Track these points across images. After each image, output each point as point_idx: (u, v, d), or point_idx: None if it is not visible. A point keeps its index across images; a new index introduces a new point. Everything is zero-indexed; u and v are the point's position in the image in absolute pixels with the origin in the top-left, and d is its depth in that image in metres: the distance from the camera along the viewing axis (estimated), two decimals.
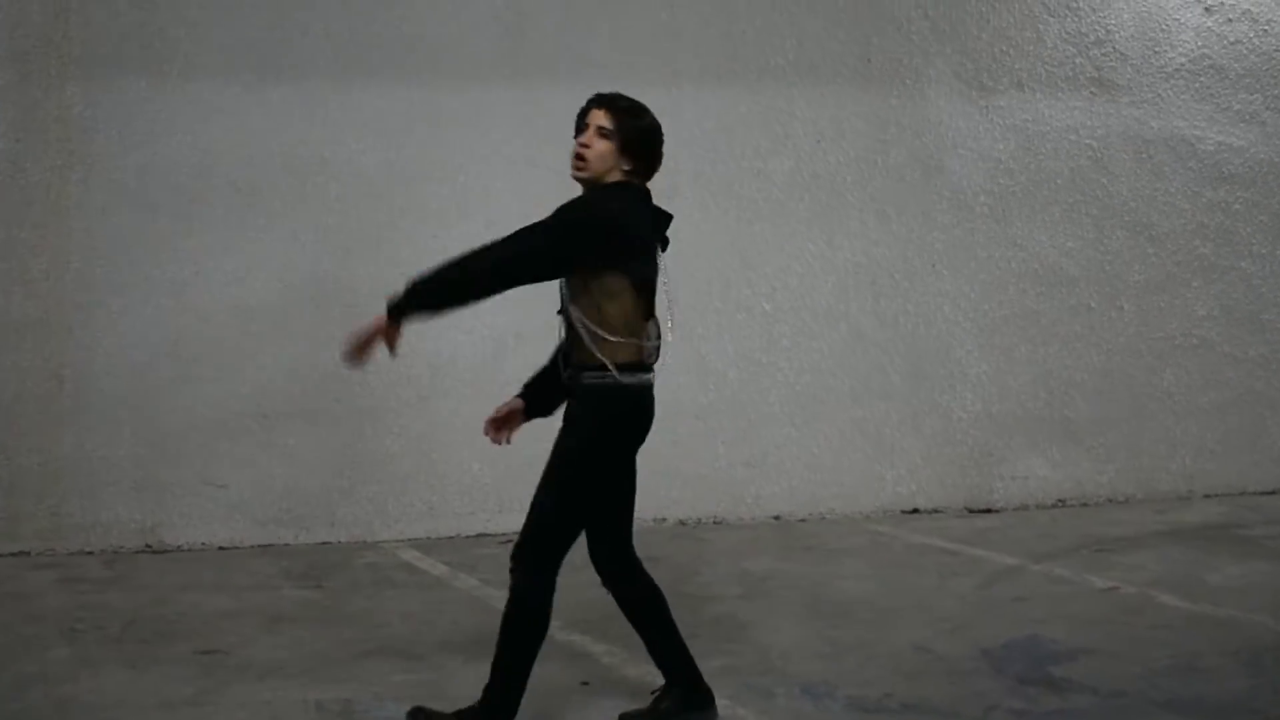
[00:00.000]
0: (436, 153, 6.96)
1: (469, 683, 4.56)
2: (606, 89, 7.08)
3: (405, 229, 6.89)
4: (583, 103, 4.06)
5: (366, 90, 6.86)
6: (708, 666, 4.63)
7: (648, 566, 4.20)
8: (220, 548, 6.72)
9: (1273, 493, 7.94)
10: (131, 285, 6.64)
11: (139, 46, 6.63)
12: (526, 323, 7.02)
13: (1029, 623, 5.26)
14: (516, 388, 7.03)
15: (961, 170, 7.58)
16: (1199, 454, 7.91)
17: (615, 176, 3.98)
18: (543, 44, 7.07)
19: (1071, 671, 4.65)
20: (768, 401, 7.34)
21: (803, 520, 7.29)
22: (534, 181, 7.01)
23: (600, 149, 3.94)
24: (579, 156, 3.97)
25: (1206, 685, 4.51)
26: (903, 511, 7.52)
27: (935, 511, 7.54)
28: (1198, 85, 7.88)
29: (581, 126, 4.00)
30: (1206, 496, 7.88)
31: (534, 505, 4.04)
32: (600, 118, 3.97)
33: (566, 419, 4.06)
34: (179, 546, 6.70)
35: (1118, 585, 5.86)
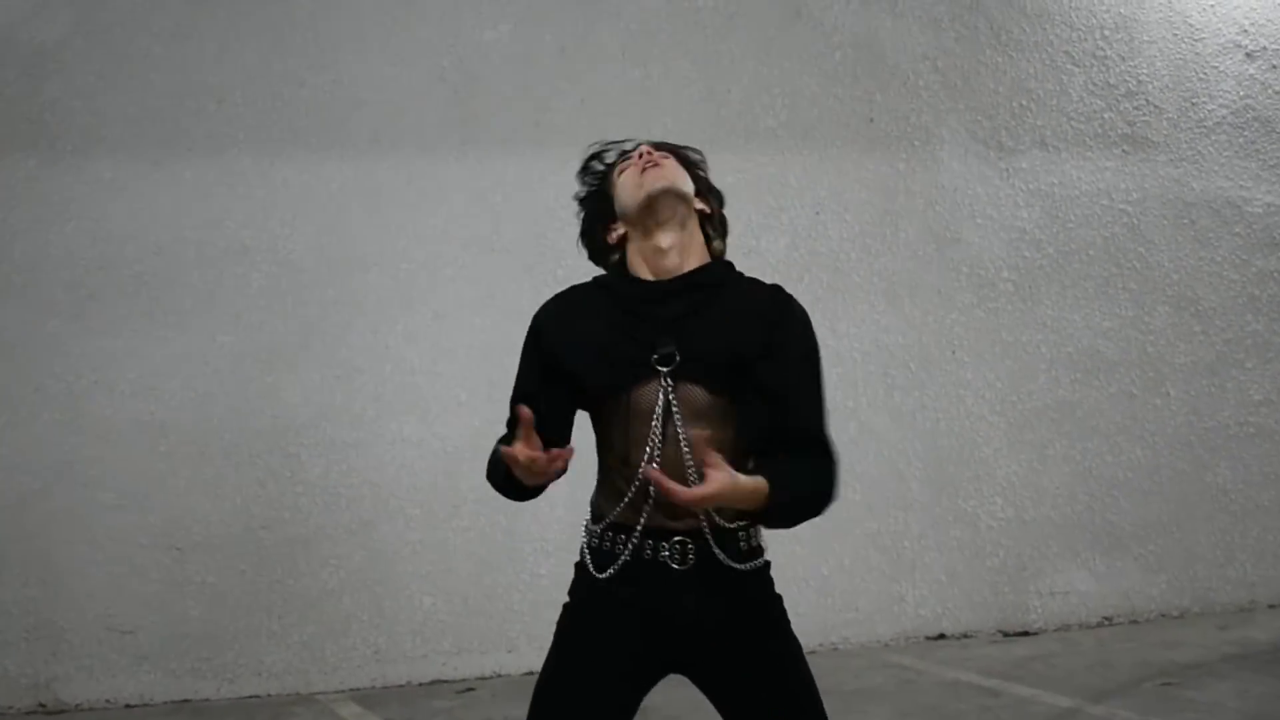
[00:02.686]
0: (375, 235, 6.05)
1: None
2: (573, 159, 6.35)
3: (339, 325, 5.98)
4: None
5: (293, 164, 5.96)
6: None
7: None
8: (127, 705, 5.74)
9: None
10: (18, 398, 5.71)
11: (25, 120, 5.74)
12: (485, 431, 6.10)
13: None
14: (474, 509, 6.19)
15: (981, 242, 6.70)
16: (1260, 559, 6.98)
17: None
18: (497, 108, 6.19)
19: None
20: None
21: (813, 652, 6.22)
22: (491, 266, 6.13)
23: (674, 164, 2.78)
24: (652, 165, 2.72)
25: None
26: (927, 638, 6.54)
27: (964, 636, 6.57)
28: (1242, 140, 7.03)
29: (622, 161, 2.82)
30: (1271, 607, 6.95)
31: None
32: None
33: (748, 628, 2.67)
34: (77, 705, 5.70)
35: None
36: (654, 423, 2.57)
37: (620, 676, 2.62)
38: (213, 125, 5.92)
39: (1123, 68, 6.91)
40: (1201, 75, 7.02)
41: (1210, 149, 7.01)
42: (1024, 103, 6.79)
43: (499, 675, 6.06)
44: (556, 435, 2.65)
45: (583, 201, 2.80)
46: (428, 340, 6.08)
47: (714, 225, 2.78)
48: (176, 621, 5.80)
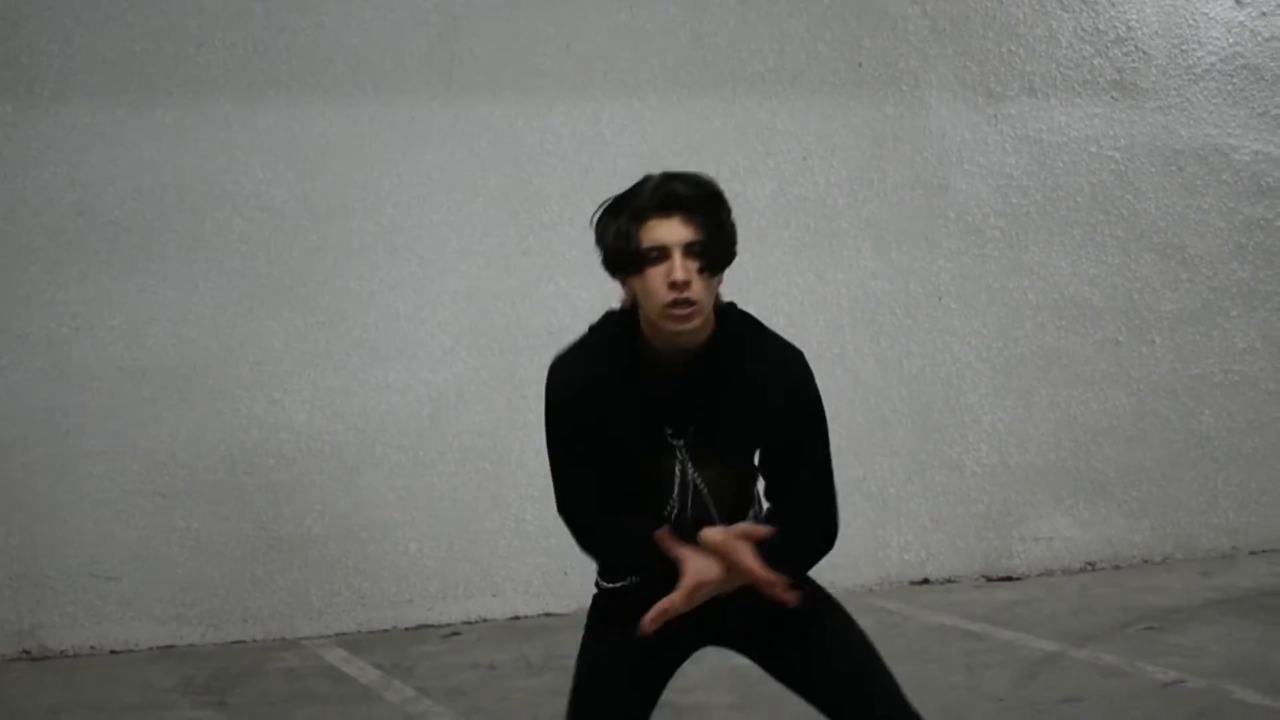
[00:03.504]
0: (359, 181, 6.00)
1: None
2: (559, 103, 6.29)
3: (323, 271, 5.93)
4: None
5: (275, 110, 5.90)
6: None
7: None
8: (112, 651, 5.74)
9: None
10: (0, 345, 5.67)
11: (2, 63, 5.66)
12: (469, 377, 6.10)
13: None
14: (459, 455, 6.18)
15: (968, 189, 6.66)
16: (1243, 506, 7.00)
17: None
18: (482, 52, 6.12)
19: None
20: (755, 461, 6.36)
21: None
22: (476, 213, 6.10)
23: (704, 280, 2.56)
24: (683, 303, 2.53)
25: None
26: (911, 582, 6.56)
27: (948, 581, 6.59)
28: (1231, 87, 6.99)
29: (650, 254, 2.54)
30: (1253, 553, 6.96)
31: (879, 681, 2.69)
32: (682, 230, 2.55)
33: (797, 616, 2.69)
34: (62, 652, 5.70)
35: (1182, 678, 4.90)
36: (673, 493, 2.67)
37: (654, 653, 2.68)
38: (193, 70, 5.85)
39: (1112, 13, 6.85)
40: (1191, 22, 6.96)
41: (1199, 96, 6.97)
42: (1013, 48, 6.74)
43: (484, 620, 6.07)
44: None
45: (604, 226, 2.60)
46: (412, 286, 6.04)
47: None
48: (161, 568, 5.79)
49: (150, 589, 5.78)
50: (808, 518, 2.68)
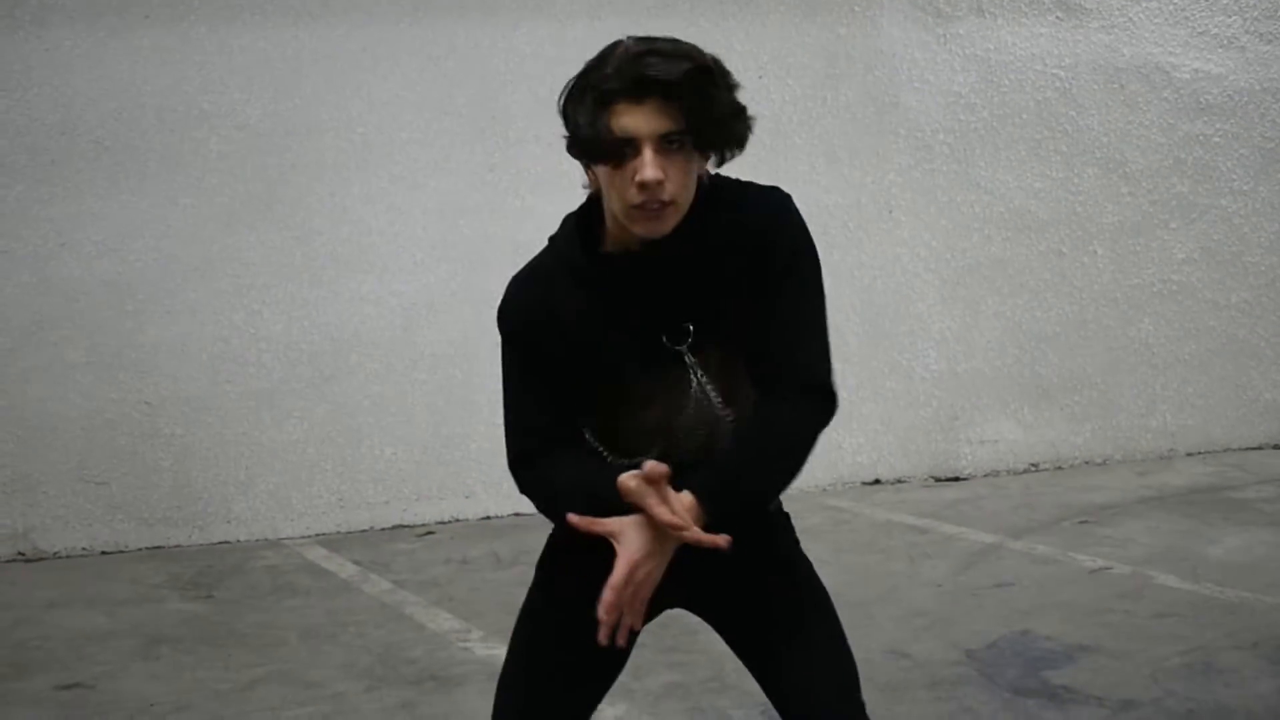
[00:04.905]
0: (331, 100, 6.21)
1: (369, 715, 3.88)
2: (524, 23, 6.48)
3: (298, 187, 6.16)
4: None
5: (249, 31, 6.10)
6: (652, 685, 3.99)
7: None
8: (103, 552, 6.01)
9: (1259, 449, 7.37)
10: None
11: None
12: (440, 289, 6.35)
13: (1016, 615, 4.62)
14: (431, 363, 6.45)
15: (918, 106, 6.91)
16: (1180, 409, 7.32)
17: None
18: None
19: (1072, 677, 4.01)
20: None
21: None
22: (445, 130, 6.32)
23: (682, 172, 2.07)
24: (653, 205, 2.06)
25: (1228, 690, 3.88)
26: (863, 483, 6.89)
27: (899, 482, 6.92)
28: (1171, 7, 7.23)
29: (619, 146, 2.04)
30: (1189, 455, 7.31)
31: (833, 646, 2.24)
32: (656, 119, 2.03)
33: (766, 562, 2.26)
34: (55, 553, 5.97)
35: (1109, 565, 5.24)
36: (689, 413, 2.16)
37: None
38: None
39: None
40: None
41: (1141, 15, 7.20)
42: None
43: (457, 520, 6.36)
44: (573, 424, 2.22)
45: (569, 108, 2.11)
46: (384, 202, 6.27)
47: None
48: (148, 472, 6.05)
49: (138, 493, 6.05)
50: (792, 397, 2.11)
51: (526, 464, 2.20)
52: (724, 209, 2.15)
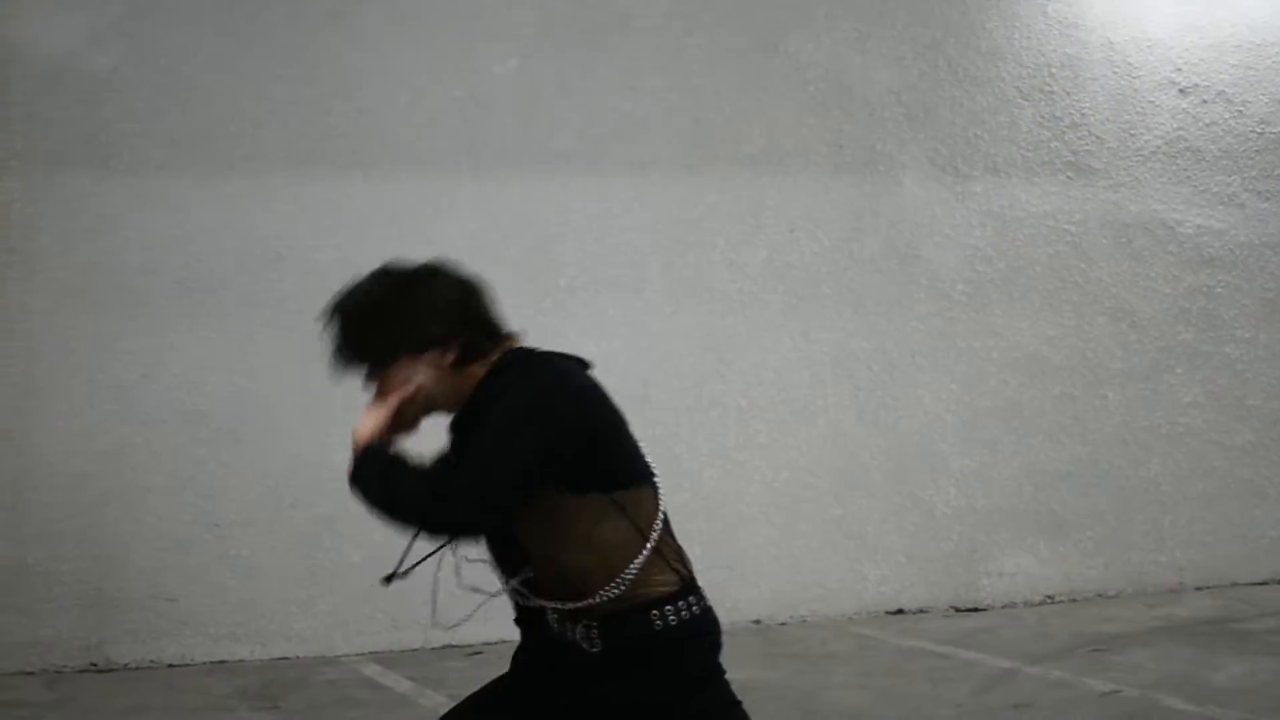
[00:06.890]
0: (394, 247, 6.59)
1: None
2: (573, 181, 6.99)
3: None
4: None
5: (322, 183, 6.61)
6: None
7: None
8: (170, 665, 6.36)
9: (1264, 584, 7.67)
10: (74, 389, 6.32)
11: (83, 140, 6.37)
12: None
13: None
14: None
15: (938, 258, 7.38)
16: (1188, 545, 7.65)
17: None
18: (505, 135, 6.84)
19: None
20: (745, 501, 7.04)
21: (784, 624, 6.96)
22: (499, 278, 6.73)
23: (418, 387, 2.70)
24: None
25: None
26: (887, 612, 7.21)
27: (921, 611, 7.25)
28: (1175, 168, 7.72)
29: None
30: (1198, 589, 7.60)
31: None
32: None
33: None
34: (126, 665, 6.33)
35: (1119, 688, 5.56)
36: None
37: (513, 698, 2.78)
38: (251, 147, 6.54)
39: (1068, 102, 7.59)
40: (1139, 109, 7.69)
41: (1146, 175, 7.69)
42: (978, 133, 7.46)
43: (503, 641, 6.60)
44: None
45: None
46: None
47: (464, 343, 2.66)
48: (215, 590, 6.42)
49: (205, 609, 6.41)
50: (440, 475, 2.57)
51: (483, 511, 2.60)
52: (507, 376, 2.62)
